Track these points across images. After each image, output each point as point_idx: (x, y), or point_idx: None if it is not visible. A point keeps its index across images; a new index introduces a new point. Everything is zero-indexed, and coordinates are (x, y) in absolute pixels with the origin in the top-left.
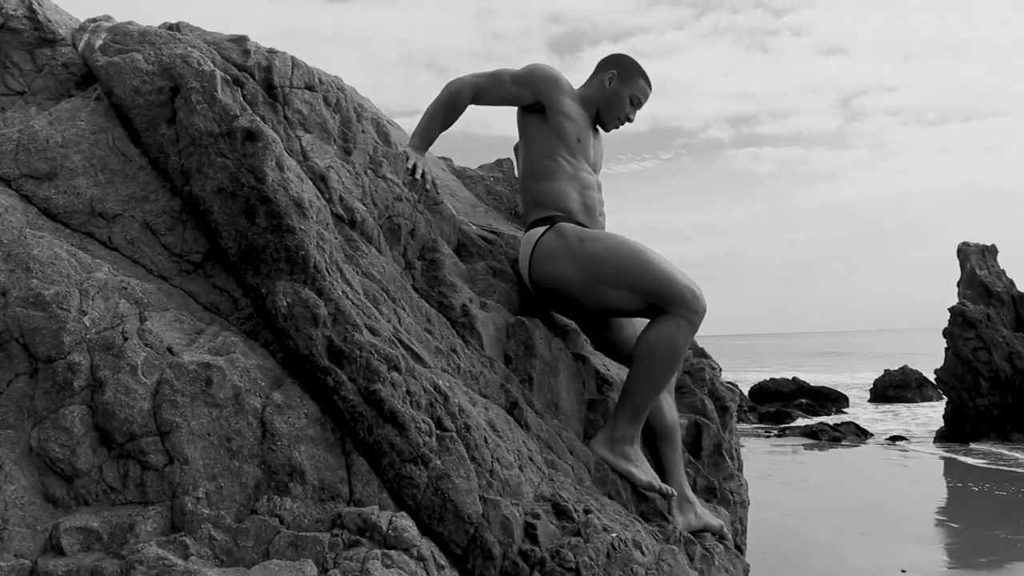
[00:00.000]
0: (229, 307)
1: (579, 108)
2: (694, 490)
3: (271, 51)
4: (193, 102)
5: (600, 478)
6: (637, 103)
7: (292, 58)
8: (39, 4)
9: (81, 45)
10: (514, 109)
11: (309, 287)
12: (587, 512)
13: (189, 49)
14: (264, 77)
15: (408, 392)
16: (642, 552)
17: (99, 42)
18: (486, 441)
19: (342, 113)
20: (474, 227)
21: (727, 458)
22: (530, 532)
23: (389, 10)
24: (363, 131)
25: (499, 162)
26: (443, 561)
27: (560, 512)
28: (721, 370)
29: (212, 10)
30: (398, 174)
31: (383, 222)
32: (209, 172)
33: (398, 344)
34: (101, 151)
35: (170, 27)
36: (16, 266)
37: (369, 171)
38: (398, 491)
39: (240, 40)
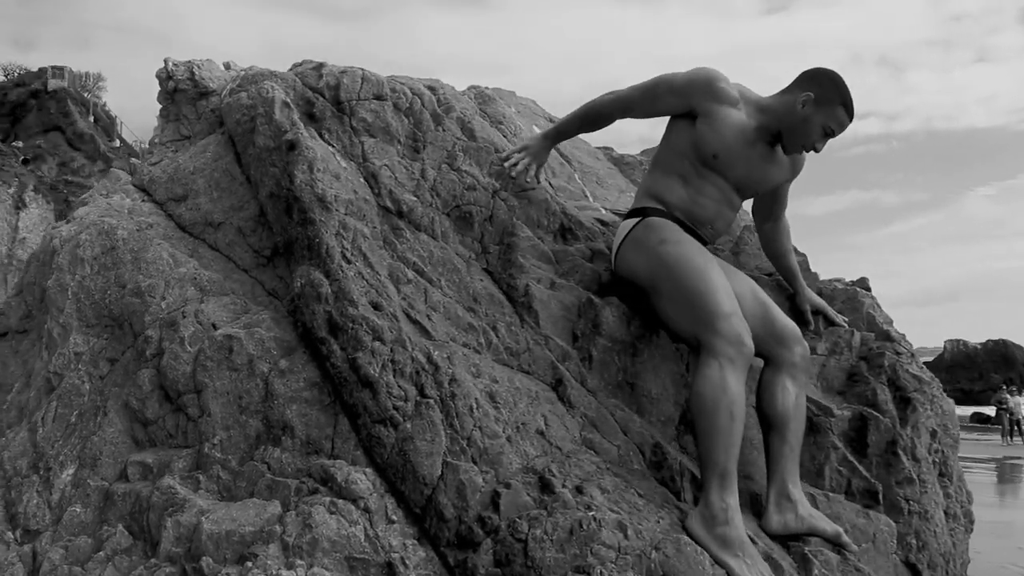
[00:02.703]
0: (284, 291)
1: (743, 119)
2: (847, 492)
3: (342, 72)
4: (258, 124)
5: (657, 462)
6: (830, 133)
7: (362, 74)
8: (197, 67)
9: (223, 93)
10: None
11: (319, 270)
12: (579, 490)
13: (269, 83)
14: (333, 95)
15: (392, 361)
16: (626, 536)
17: (228, 87)
18: (471, 411)
19: (415, 116)
20: (602, 211)
21: (904, 458)
22: (495, 500)
23: (830, 11)
24: (443, 130)
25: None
26: (395, 516)
27: (544, 486)
28: (912, 356)
29: (654, 35)
30: (481, 167)
31: (450, 211)
32: (265, 180)
33: (402, 318)
34: (217, 174)
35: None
36: (134, 266)
37: (444, 165)
38: (369, 449)
39: (318, 67)
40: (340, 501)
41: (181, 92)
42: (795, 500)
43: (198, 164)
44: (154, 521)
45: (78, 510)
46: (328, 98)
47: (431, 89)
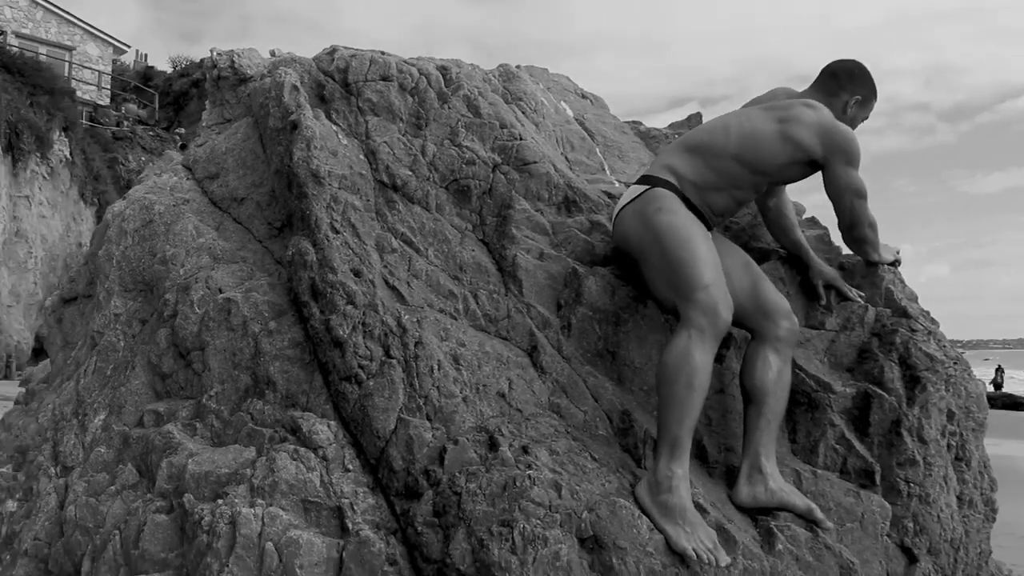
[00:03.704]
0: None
1: None
2: (842, 470)
3: (352, 55)
4: (270, 107)
5: (624, 429)
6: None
7: (371, 57)
8: (238, 55)
9: (257, 79)
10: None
11: (308, 239)
12: (524, 450)
13: (284, 68)
14: (342, 77)
15: (363, 323)
16: (559, 496)
17: (260, 74)
18: (432, 371)
19: (420, 95)
20: (616, 184)
21: (907, 439)
22: (442, 455)
23: None
24: (448, 107)
25: (689, 118)
26: (351, 466)
27: (492, 444)
28: (931, 334)
29: (812, 7)
30: (484, 142)
31: (448, 184)
32: (274, 157)
33: (380, 284)
34: (244, 154)
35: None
36: (165, 238)
37: (447, 141)
38: (337, 404)
39: (332, 51)
40: (303, 449)
41: (224, 79)
42: (766, 473)
43: (229, 145)
44: (155, 461)
45: (103, 450)
46: (338, 80)
47: (443, 69)
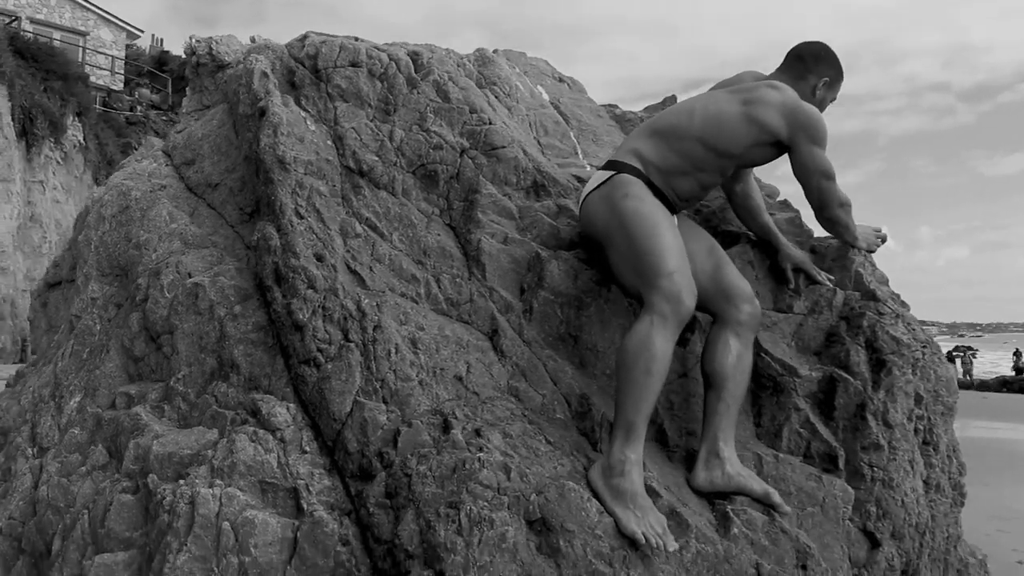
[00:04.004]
0: None
1: None
2: (806, 455)
3: (323, 41)
4: (240, 93)
5: (582, 412)
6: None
7: (341, 43)
8: (216, 42)
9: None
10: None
11: (272, 224)
12: (477, 433)
13: (255, 55)
14: (312, 63)
15: (323, 307)
16: (508, 478)
17: (236, 60)
18: (389, 355)
19: (388, 80)
20: (587, 168)
21: (872, 423)
22: (396, 438)
23: None
24: (417, 93)
25: (664, 100)
26: (309, 448)
27: (446, 427)
28: (899, 317)
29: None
30: (453, 127)
31: (416, 169)
32: (243, 144)
33: (342, 269)
34: (219, 140)
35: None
36: (140, 223)
37: (415, 126)
38: (296, 387)
39: (303, 38)
40: (261, 431)
41: (203, 66)
42: (723, 458)
43: (206, 131)
44: (123, 443)
45: (76, 432)
46: (308, 67)
47: (413, 55)
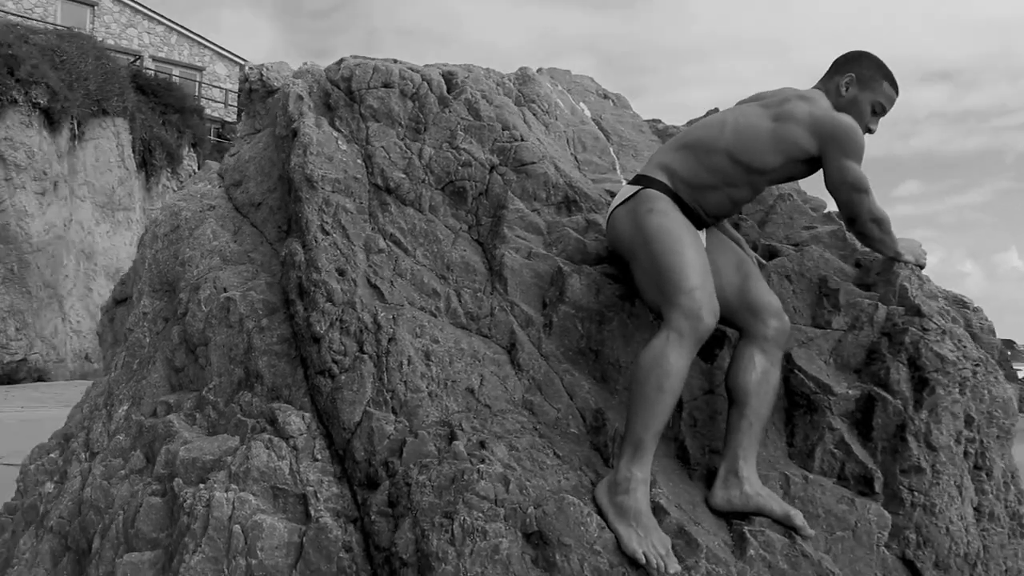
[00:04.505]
0: None
1: None
2: (840, 476)
3: (357, 64)
4: (278, 116)
5: (596, 427)
6: (880, 111)
7: (375, 65)
8: (267, 69)
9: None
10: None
11: (299, 241)
12: (481, 445)
13: (293, 79)
14: (346, 85)
15: (340, 320)
16: (507, 490)
17: (282, 84)
18: (401, 367)
19: (420, 100)
20: (623, 183)
21: (913, 444)
22: (402, 448)
23: None
24: (449, 111)
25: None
26: (320, 456)
27: (451, 438)
28: (945, 333)
29: (931, 2)
30: (483, 144)
31: (444, 186)
32: (280, 164)
33: (362, 283)
34: (264, 161)
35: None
36: (188, 242)
37: (445, 144)
38: (313, 397)
39: (339, 62)
40: (276, 439)
41: (255, 92)
42: (743, 477)
43: (252, 153)
44: (157, 448)
45: (121, 438)
46: (343, 89)
47: (448, 75)
